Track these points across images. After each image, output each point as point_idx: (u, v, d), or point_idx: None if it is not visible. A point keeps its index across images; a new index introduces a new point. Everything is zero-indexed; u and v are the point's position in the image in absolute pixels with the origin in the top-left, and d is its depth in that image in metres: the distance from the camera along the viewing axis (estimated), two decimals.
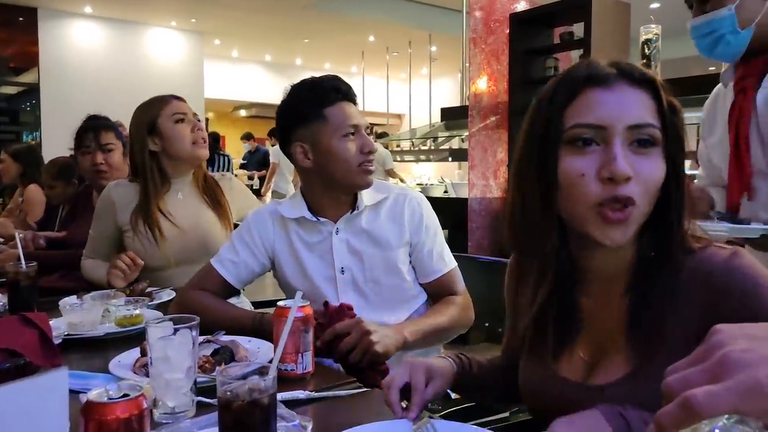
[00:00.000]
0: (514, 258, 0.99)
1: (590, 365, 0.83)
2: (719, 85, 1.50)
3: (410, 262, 1.47)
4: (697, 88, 3.00)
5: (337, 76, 1.45)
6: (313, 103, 1.39)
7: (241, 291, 2.01)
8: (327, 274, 1.44)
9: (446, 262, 1.47)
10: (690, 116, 3.21)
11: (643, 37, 3.16)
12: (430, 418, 0.84)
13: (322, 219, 1.43)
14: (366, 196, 1.44)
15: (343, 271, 1.43)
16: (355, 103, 1.44)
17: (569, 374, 0.84)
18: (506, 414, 1.25)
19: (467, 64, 4.49)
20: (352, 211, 1.43)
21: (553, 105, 0.78)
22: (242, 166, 9.00)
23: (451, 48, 8.62)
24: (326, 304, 1.27)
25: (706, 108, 1.55)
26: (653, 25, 3.15)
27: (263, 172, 8.51)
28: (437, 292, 1.47)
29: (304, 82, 1.44)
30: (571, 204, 0.76)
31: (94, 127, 2.26)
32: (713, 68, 3.45)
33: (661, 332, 0.76)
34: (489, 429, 0.86)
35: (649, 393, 0.73)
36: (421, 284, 1.48)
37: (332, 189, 1.43)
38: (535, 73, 4.12)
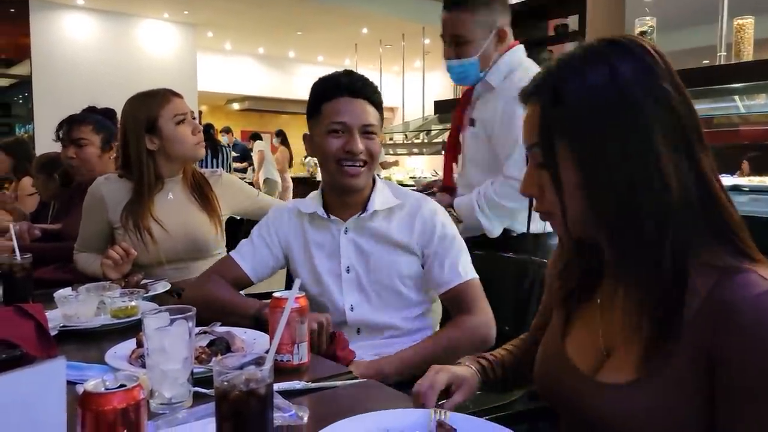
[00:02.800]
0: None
1: (604, 357, 0.79)
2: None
3: (423, 273, 1.43)
4: (690, 80, 3.01)
5: (349, 72, 1.43)
6: (315, 99, 1.41)
7: None
8: (333, 272, 1.44)
9: (460, 273, 1.38)
10: None
11: (638, 30, 3.17)
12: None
13: (332, 217, 1.44)
14: (378, 200, 1.43)
15: (348, 270, 1.43)
16: (367, 99, 1.39)
17: (579, 361, 0.82)
18: (504, 403, 1.25)
19: None
20: (361, 213, 1.43)
21: None
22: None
23: None
24: (335, 335, 1.26)
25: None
26: (648, 17, 3.16)
27: (244, 164, 8.81)
28: (451, 305, 1.41)
29: (318, 78, 1.44)
30: None
31: (69, 121, 2.25)
32: (707, 61, 3.46)
33: (670, 346, 0.71)
34: (485, 419, 0.87)
35: (651, 405, 0.71)
36: (439, 296, 1.43)
37: (332, 188, 1.44)
38: None
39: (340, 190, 1.42)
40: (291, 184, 9.12)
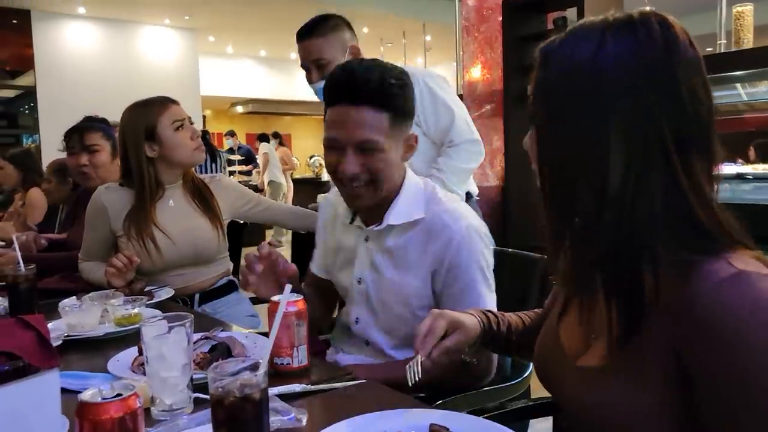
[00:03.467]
0: None
1: (589, 343, 0.79)
2: None
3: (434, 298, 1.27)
4: None
5: (351, 68, 1.20)
6: (324, 100, 1.25)
7: (239, 287, 2.03)
8: (347, 280, 1.37)
9: (463, 307, 1.15)
10: None
11: None
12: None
13: (356, 223, 1.33)
14: (397, 212, 1.26)
15: (359, 282, 1.34)
16: (372, 104, 1.16)
17: (568, 345, 0.83)
18: (503, 401, 1.26)
19: (461, 53, 4.48)
20: (377, 226, 1.28)
21: None
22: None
23: (445, 37, 8.58)
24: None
25: None
26: (646, 8, 3.13)
27: (249, 167, 8.85)
28: None
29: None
30: None
31: (79, 129, 2.28)
32: (710, 49, 3.43)
33: (636, 338, 0.70)
34: (484, 417, 0.88)
35: (620, 392, 0.71)
36: None
37: None
38: (529, 59, 4.10)
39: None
40: (291, 185, 9.13)
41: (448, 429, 0.79)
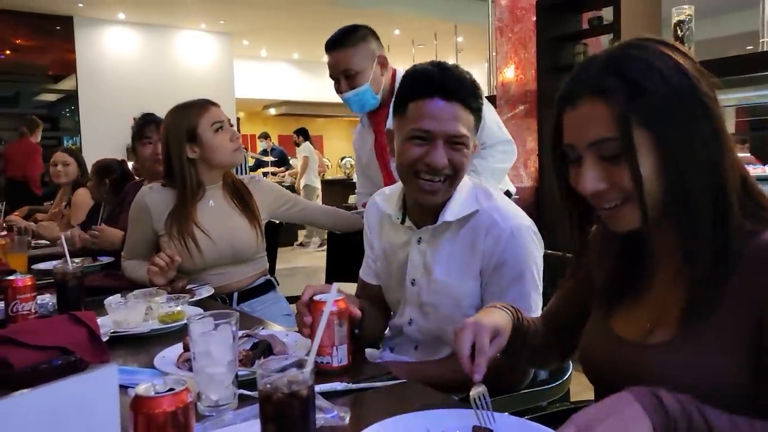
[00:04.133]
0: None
1: (651, 329, 0.85)
2: (359, 125, 2.28)
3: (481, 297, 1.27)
4: (736, 68, 2.90)
5: (444, 66, 1.23)
6: (402, 94, 1.26)
7: (276, 286, 2.06)
8: (400, 282, 1.37)
9: None
10: (730, 97, 3.12)
11: (676, 19, 3.08)
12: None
13: (407, 224, 1.33)
14: (453, 208, 1.26)
15: (413, 283, 1.34)
16: (461, 103, 1.20)
17: (627, 335, 0.87)
18: (543, 403, 1.26)
19: (494, 54, 4.45)
20: (432, 224, 1.28)
21: None
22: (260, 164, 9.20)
23: (477, 38, 8.54)
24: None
25: (355, 141, 2.31)
26: (686, 6, 3.07)
27: (281, 169, 8.80)
28: None
29: (408, 69, 1.29)
30: None
31: (155, 120, 2.37)
32: (750, 47, 3.34)
33: (712, 304, 0.77)
34: (525, 418, 0.88)
35: (690, 360, 0.77)
36: None
37: (408, 194, 1.32)
38: (564, 59, 4.05)
39: (415, 199, 1.30)
40: (320, 186, 9.07)
41: (491, 430, 0.79)
